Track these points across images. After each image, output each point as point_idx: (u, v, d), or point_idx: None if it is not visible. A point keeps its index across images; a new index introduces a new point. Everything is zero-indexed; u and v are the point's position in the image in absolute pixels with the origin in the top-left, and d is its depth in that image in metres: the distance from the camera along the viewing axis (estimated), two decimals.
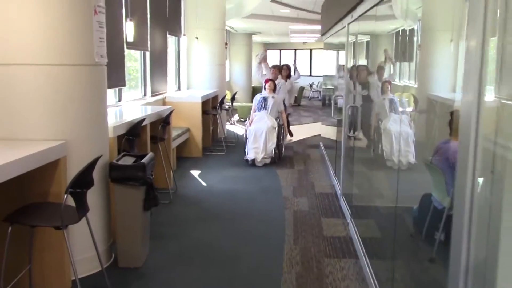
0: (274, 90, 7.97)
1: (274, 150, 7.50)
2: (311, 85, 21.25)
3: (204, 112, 8.34)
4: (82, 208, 2.92)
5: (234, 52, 17.40)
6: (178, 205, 5.50)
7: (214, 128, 9.36)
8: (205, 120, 8.49)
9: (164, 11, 8.35)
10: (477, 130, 1.62)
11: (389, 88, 3.57)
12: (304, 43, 22.50)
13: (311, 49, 22.76)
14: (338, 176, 6.17)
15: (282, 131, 8.06)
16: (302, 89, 19.18)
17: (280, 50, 24.06)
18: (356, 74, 4.88)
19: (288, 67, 9.40)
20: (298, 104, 18.28)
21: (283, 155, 8.10)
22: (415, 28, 3.05)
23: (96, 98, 3.70)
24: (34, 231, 3.17)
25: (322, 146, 8.92)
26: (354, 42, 5.09)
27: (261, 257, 4.13)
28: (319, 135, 9.98)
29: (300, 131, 11.22)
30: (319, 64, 22.17)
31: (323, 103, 11.97)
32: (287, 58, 24.11)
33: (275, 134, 7.49)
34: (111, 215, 3.94)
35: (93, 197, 3.63)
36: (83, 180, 2.88)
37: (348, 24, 5.23)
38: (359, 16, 4.53)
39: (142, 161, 3.81)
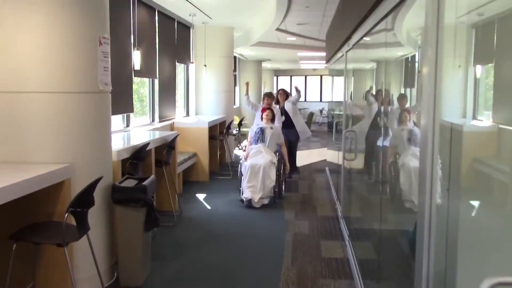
0: (272, 120, 7.11)
1: (274, 189, 6.64)
2: (321, 111, 21.44)
3: (211, 137, 8.55)
4: (82, 227, 3.10)
5: (244, 78, 17.70)
6: (181, 227, 5.65)
7: (221, 153, 9.55)
8: (212, 145, 8.69)
9: (173, 39, 8.66)
10: (433, 151, 1.77)
11: (408, 118, 3.29)
12: (314, 69, 22.79)
13: (321, 75, 23.04)
14: (339, 199, 6.29)
15: (282, 166, 7.13)
16: (311, 114, 19.38)
17: (291, 76, 24.38)
18: (367, 99, 4.91)
19: (284, 91, 8.68)
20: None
21: (284, 195, 7.22)
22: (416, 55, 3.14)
23: (100, 124, 3.91)
24: (38, 249, 3.35)
25: (328, 171, 9.05)
26: (354, 69, 5.27)
27: (259, 276, 4.24)
28: (325, 160, 10.11)
29: (308, 156, 11.36)
30: (329, 90, 22.39)
31: (329, 129, 12.12)
32: (298, 84, 24.41)
33: (274, 170, 6.60)
34: (114, 235, 4.10)
35: (96, 217, 3.81)
36: (83, 200, 3.06)
37: (346, 52, 5.43)
38: (354, 44, 4.73)
39: (144, 183, 3.99)
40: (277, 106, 8.23)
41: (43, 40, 3.53)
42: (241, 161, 6.89)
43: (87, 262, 3.64)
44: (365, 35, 4.09)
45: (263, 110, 7.20)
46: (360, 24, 4.12)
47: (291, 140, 8.27)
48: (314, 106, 22.31)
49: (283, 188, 7.28)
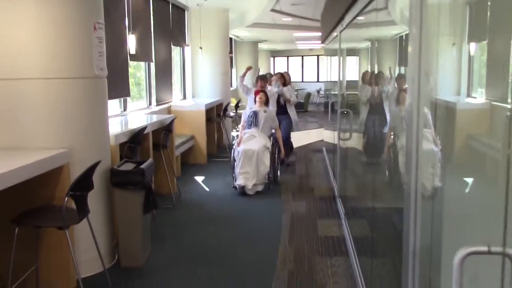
0: (266, 103, 6.85)
1: (268, 175, 6.42)
2: (318, 91, 21.46)
3: (208, 120, 8.60)
4: (82, 210, 3.18)
5: (240, 60, 17.69)
6: (180, 209, 5.74)
7: (219, 136, 9.62)
8: (209, 127, 8.75)
9: (168, 22, 8.65)
10: (418, 129, 1.83)
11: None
12: (310, 49, 22.73)
13: (317, 55, 22.98)
14: (336, 179, 6.37)
15: (277, 151, 6.89)
16: (309, 95, 19.42)
17: (288, 57, 24.33)
18: (366, 79, 4.94)
19: (282, 75, 8.33)
20: (305, 110, 18.51)
21: (279, 180, 6.96)
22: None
23: (97, 109, 3.96)
24: (40, 233, 3.43)
25: (325, 151, 9.12)
26: (348, 49, 5.30)
27: (256, 256, 4.34)
28: (322, 140, 10.18)
29: (305, 137, 11.43)
30: (326, 70, 22.38)
31: (325, 109, 12.15)
32: (294, 65, 24.38)
33: (268, 155, 6.37)
34: (114, 218, 4.18)
35: (96, 201, 3.89)
36: (82, 184, 3.13)
37: (340, 32, 5.46)
38: (348, 24, 4.76)
39: (141, 166, 4.05)
40: (273, 89, 7.94)
41: (37, 27, 3.56)
42: (234, 146, 6.57)
43: (88, 245, 3.72)
44: (358, 14, 4.12)
45: (256, 92, 6.95)
46: (353, 3, 4.14)
47: (285, 126, 7.95)
48: (312, 86, 22.33)
49: (278, 173, 7.04)
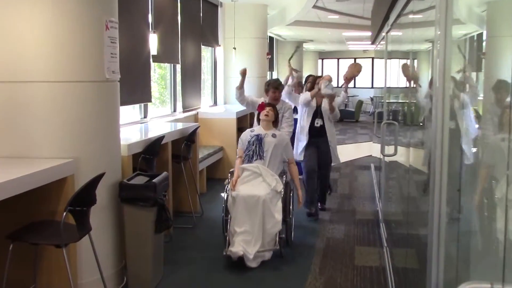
0: (275, 123, 5.37)
1: (279, 235, 4.83)
2: (372, 99, 21.26)
3: (240, 129, 8.67)
4: (83, 227, 3.28)
5: (282, 62, 17.76)
6: (201, 230, 5.82)
7: None
8: None
9: (198, 20, 8.83)
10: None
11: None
12: (364, 51, 22.62)
13: (372, 58, 22.82)
14: (380, 200, 6.31)
15: (292, 197, 5.27)
16: (360, 103, 19.30)
17: (338, 59, 24.29)
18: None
19: (315, 79, 6.89)
20: (356, 120, 18.40)
21: (293, 240, 5.33)
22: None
23: (107, 115, 4.09)
24: (38, 250, 3.56)
25: (373, 168, 9.04)
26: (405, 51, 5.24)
27: (282, 285, 4.35)
28: (371, 155, 10.10)
29: (353, 151, 11.38)
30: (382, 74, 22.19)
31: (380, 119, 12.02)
32: (345, 67, 24.24)
33: (280, 205, 4.85)
34: (122, 236, 4.29)
35: (102, 217, 4.01)
36: (83, 198, 3.24)
37: (386, 33, 5.44)
38: (393, 23, 4.74)
39: (154, 180, 4.15)
40: (288, 103, 6.34)
41: (44, 26, 3.73)
42: (226, 190, 5.03)
43: (92, 265, 3.82)
44: (409, 12, 4.10)
45: (261, 107, 5.39)
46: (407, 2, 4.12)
47: (323, 157, 6.35)
48: (364, 93, 22.16)
49: (293, 231, 5.37)
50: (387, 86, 5.68)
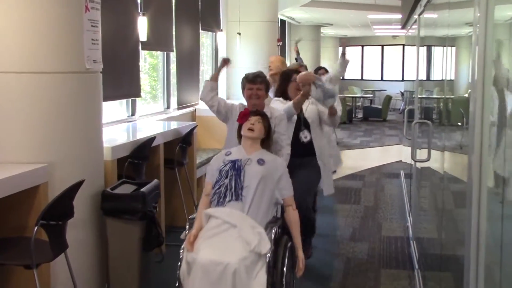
0: (266, 141, 4.19)
1: None
2: (402, 94, 21.19)
3: None
4: (58, 244, 3.29)
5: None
6: None
7: None
8: None
9: (196, 0, 8.82)
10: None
11: None
12: (394, 37, 22.57)
13: (403, 45, 22.76)
14: (411, 214, 6.29)
15: (290, 260, 4.01)
16: (389, 98, 19.25)
17: (362, 46, 24.26)
18: None
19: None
20: (384, 119, 18.36)
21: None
22: None
23: (87, 112, 4.10)
24: (4, 271, 3.57)
25: (402, 175, 9.02)
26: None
27: None
28: (401, 161, 10.08)
29: (379, 156, 11.36)
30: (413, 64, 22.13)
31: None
32: (371, 57, 24.25)
33: (263, 277, 3.60)
34: (106, 255, 4.29)
35: (82, 232, 4.02)
36: (58, 210, 3.24)
37: (419, 15, 5.42)
38: (426, 3, 4.72)
39: (142, 190, 4.16)
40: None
41: (12, 6, 3.73)
42: (181, 251, 3.86)
43: None
44: None
45: (242, 116, 4.14)
46: None
47: (308, 183, 5.20)
48: (393, 87, 22.08)
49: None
50: (419, 78, 5.66)
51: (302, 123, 5.15)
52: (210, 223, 3.79)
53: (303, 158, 5.08)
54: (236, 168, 3.92)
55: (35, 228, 3.15)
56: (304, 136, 5.12)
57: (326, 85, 4.84)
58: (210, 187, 3.99)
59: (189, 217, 4.16)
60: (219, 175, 3.94)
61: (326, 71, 6.63)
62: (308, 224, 5.09)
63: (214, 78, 5.12)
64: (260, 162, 3.97)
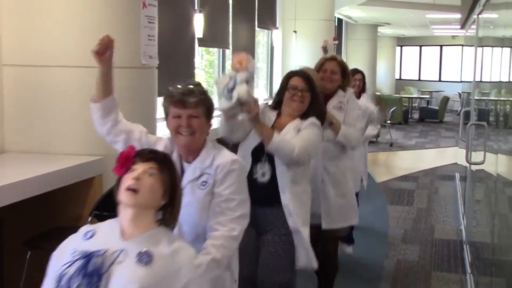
0: (169, 216, 2.24)
1: None
2: (460, 95, 20.77)
3: None
4: None
5: (353, 48, 17.63)
6: None
7: None
8: None
9: None
10: None
11: None
12: (453, 37, 22.13)
13: (462, 45, 22.31)
14: (465, 217, 6.17)
15: None
16: (446, 100, 18.94)
17: (420, 46, 23.88)
18: None
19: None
20: (441, 120, 18.06)
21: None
22: None
23: (142, 107, 4.16)
24: None
25: (457, 178, 8.86)
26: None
27: None
28: (456, 163, 9.90)
29: (435, 157, 11.20)
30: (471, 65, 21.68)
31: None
32: (430, 57, 23.85)
33: None
34: None
35: None
36: (112, 202, 3.29)
37: (477, 15, 5.31)
38: (485, 3, 4.62)
39: None
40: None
41: (72, 4, 3.83)
42: None
43: None
44: None
45: (122, 159, 2.27)
46: None
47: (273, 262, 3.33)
48: (452, 88, 21.67)
49: None
50: (476, 80, 5.54)
51: (262, 151, 3.27)
52: None
53: (261, 208, 3.19)
54: (88, 274, 2.00)
55: (89, 219, 3.23)
56: (262, 172, 3.31)
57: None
58: None
59: None
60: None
61: (363, 76, 5.66)
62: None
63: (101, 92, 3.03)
64: (143, 258, 2.03)
